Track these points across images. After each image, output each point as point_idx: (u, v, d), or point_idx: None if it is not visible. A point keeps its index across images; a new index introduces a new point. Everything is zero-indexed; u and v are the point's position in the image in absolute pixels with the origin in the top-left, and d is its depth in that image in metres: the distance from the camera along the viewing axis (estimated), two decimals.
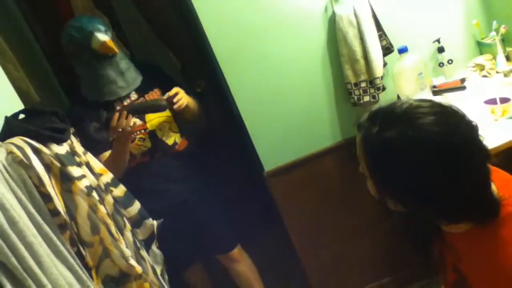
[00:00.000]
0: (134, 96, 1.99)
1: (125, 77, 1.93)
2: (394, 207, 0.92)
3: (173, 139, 2.04)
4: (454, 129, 0.83)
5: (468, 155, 0.82)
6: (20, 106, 1.46)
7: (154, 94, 2.03)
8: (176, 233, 1.96)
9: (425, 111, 0.84)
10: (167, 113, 2.01)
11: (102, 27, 1.84)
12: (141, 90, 2.00)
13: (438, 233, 0.99)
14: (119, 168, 1.87)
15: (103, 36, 1.82)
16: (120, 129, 1.78)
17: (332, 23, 2.06)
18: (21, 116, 1.20)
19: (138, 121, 1.95)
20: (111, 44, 1.84)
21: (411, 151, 0.82)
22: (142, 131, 1.97)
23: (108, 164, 1.79)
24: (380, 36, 2.04)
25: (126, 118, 1.79)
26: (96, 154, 1.83)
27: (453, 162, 0.81)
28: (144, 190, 1.88)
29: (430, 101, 0.88)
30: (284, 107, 2.15)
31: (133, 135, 1.93)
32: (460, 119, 0.86)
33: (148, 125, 1.98)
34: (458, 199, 0.83)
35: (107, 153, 1.92)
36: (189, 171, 2.11)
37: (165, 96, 1.91)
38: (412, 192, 0.85)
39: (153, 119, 1.99)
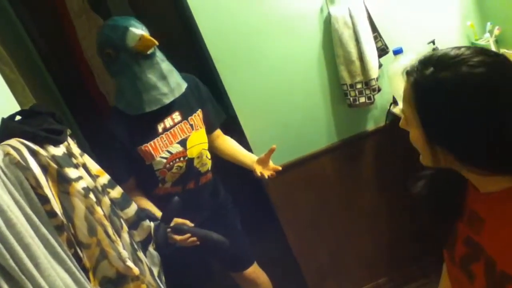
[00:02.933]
0: (177, 117, 1.82)
1: (168, 82, 1.73)
2: (436, 161, 0.91)
3: (207, 167, 1.92)
4: (508, 65, 0.83)
5: None
6: (16, 107, 1.45)
7: (196, 117, 1.89)
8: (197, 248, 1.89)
9: (480, 51, 0.84)
10: (206, 139, 1.91)
11: (137, 24, 1.69)
12: (185, 110, 1.85)
13: (461, 202, 0.98)
14: None
15: (139, 31, 1.65)
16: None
17: (328, 24, 2.07)
18: (18, 117, 1.19)
19: (179, 147, 1.81)
20: (149, 37, 1.66)
21: (467, 90, 0.82)
22: (181, 158, 1.82)
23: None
24: (375, 38, 2.06)
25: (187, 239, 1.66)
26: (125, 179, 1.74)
27: (508, 104, 0.81)
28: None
29: (480, 47, 0.88)
30: (279, 108, 2.16)
31: (171, 163, 1.80)
32: (506, 59, 0.85)
33: (188, 152, 1.83)
34: (508, 145, 0.82)
35: (131, 187, 1.78)
36: (216, 194, 2.02)
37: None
38: (466, 134, 0.84)
39: (194, 146, 1.85)
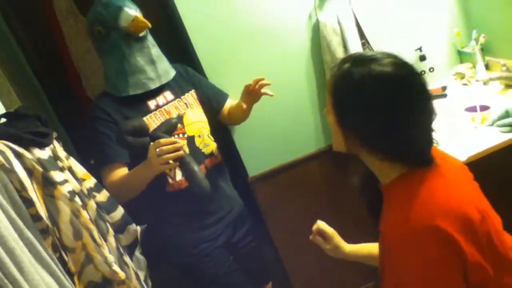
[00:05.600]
0: (169, 96, 1.78)
1: (156, 67, 1.71)
2: (346, 145, 1.07)
3: (210, 148, 1.82)
4: (408, 74, 1.00)
5: (420, 93, 0.99)
6: (1, 110, 1.44)
7: (190, 97, 1.84)
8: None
9: (392, 56, 1.01)
10: (204, 119, 1.84)
11: (131, 5, 1.66)
12: (177, 91, 1.81)
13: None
14: (132, 193, 1.63)
15: (132, 12, 1.62)
16: (162, 155, 1.49)
17: (316, 31, 2.08)
18: (3, 120, 1.18)
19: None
20: (142, 19, 1.62)
21: (373, 83, 0.97)
22: (181, 135, 1.74)
23: (123, 183, 1.61)
24: (363, 44, 2.07)
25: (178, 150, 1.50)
26: (110, 161, 1.65)
27: (409, 96, 0.98)
28: (192, 215, 1.78)
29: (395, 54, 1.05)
30: (268, 113, 2.16)
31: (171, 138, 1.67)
32: (413, 67, 1.02)
33: (186, 129, 1.76)
34: (401, 131, 0.98)
35: (122, 170, 1.66)
36: (230, 184, 1.93)
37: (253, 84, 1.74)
38: (366, 119, 0.99)
39: (192, 123, 1.78)
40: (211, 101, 1.93)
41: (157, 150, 1.49)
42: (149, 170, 1.54)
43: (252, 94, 1.79)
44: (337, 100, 1.04)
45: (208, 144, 1.82)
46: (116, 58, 1.67)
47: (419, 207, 0.94)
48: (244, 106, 1.84)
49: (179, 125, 1.72)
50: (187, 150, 1.72)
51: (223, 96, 1.98)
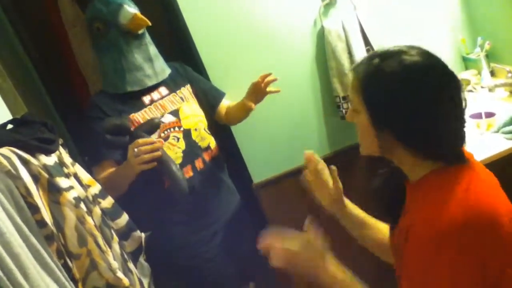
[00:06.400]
0: (164, 91, 1.79)
1: (153, 65, 1.74)
2: (381, 143, 1.02)
3: (207, 141, 1.83)
4: (439, 61, 0.99)
5: (448, 82, 0.97)
6: (8, 116, 1.45)
7: (185, 91, 1.85)
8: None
9: (417, 47, 1.01)
10: (201, 113, 1.85)
11: (130, 2, 1.69)
12: (172, 86, 1.82)
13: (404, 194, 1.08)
14: (117, 191, 1.59)
15: (132, 9, 1.65)
16: (140, 155, 1.50)
17: (321, 37, 2.09)
18: (9, 126, 1.19)
19: (171, 117, 1.74)
20: (141, 17, 1.65)
21: (407, 74, 0.95)
22: (176, 128, 1.74)
23: (108, 181, 1.60)
24: (367, 51, 2.08)
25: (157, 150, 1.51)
26: (99, 159, 1.66)
27: (444, 84, 0.96)
28: (191, 213, 1.78)
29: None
30: (273, 119, 2.16)
31: (165, 132, 1.71)
32: (438, 58, 1.01)
33: (182, 123, 1.76)
34: (435, 125, 0.95)
35: (111, 168, 1.67)
36: (223, 178, 1.92)
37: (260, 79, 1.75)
38: (405, 112, 0.95)
39: (188, 116, 1.78)
40: (208, 96, 1.94)
41: (135, 150, 1.50)
42: (129, 170, 1.55)
43: (259, 92, 1.79)
44: (369, 97, 1.00)
45: (204, 137, 1.82)
46: (114, 55, 1.70)
47: (454, 207, 0.90)
48: (253, 106, 1.83)
49: (174, 118, 1.74)
50: (183, 143, 1.73)
51: (220, 93, 1.98)
